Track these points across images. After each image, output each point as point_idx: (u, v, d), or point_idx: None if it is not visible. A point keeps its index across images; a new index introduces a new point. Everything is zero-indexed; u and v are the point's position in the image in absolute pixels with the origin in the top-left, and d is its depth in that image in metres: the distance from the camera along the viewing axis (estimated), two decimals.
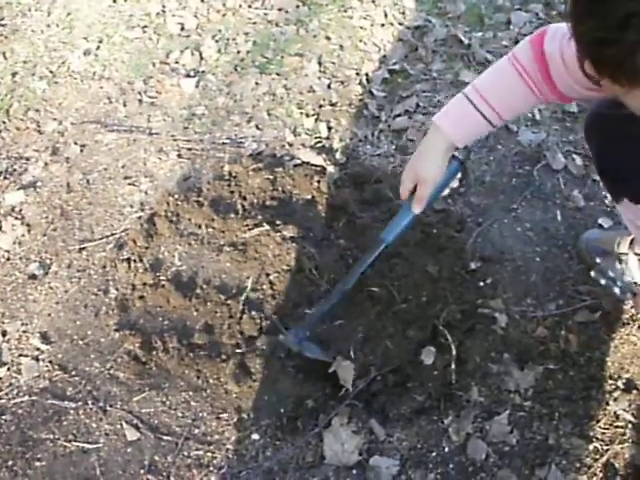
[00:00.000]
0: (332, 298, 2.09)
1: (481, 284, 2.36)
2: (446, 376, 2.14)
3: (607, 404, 2.10)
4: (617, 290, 1.94)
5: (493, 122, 1.80)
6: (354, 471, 2.01)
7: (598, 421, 2.07)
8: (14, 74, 3.48)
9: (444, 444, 2.05)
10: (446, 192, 1.83)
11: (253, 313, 2.31)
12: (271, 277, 2.38)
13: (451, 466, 2.01)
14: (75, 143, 3.07)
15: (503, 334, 2.24)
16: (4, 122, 3.23)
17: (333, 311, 2.14)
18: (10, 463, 2.10)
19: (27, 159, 3.03)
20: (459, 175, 1.82)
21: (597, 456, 2.01)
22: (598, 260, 2.31)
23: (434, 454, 2.04)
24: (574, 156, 2.80)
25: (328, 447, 2.04)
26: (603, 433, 2.05)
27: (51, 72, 3.47)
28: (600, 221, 2.56)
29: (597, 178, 2.68)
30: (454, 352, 2.15)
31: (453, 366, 2.14)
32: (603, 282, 2.08)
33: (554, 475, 1.96)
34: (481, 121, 1.78)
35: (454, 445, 2.04)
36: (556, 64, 1.63)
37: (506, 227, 2.57)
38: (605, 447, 2.02)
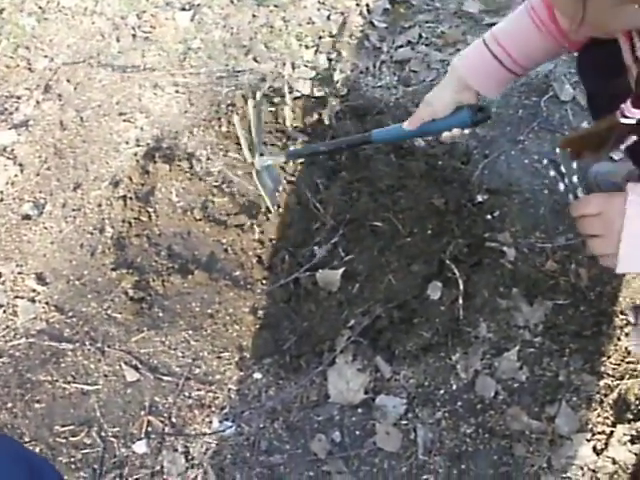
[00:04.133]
0: (305, 149, 2.10)
1: (488, 217, 2.31)
2: (453, 312, 2.10)
3: (618, 339, 2.06)
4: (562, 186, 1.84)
5: (513, 69, 1.73)
6: (359, 410, 1.99)
7: (609, 357, 2.03)
8: (1, 11, 3.38)
9: (452, 381, 2.02)
10: (451, 133, 1.77)
11: (256, 250, 2.27)
12: (273, 213, 2.32)
13: (459, 404, 1.99)
14: (67, 80, 2.99)
15: (511, 268, 2.19)
16: None
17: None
18: (10, 405, 2.08)
19: (18, 98, 2.96)
20: (467, 125, 1.76)
21: (608, 392, 1.98)
22: None
23: (442, 392, 2.01)
24: (582, 87, 2.71)
25: (332, 386, 2.01)
26: (614, 369, 2.02)
27: (40, 8, 3.37)
28: (610, 154, 2.48)
29: None
30: (461, 287, 2.11)
31: (460, 301, 2.11)
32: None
33: (564, 412, 1.94)
34: (499, 68, 1.72)
35: (462, 382, 2.02)
36: None
37: (513, 159, 2.51)
38: (616, 383, 1.99)
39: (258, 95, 1.98)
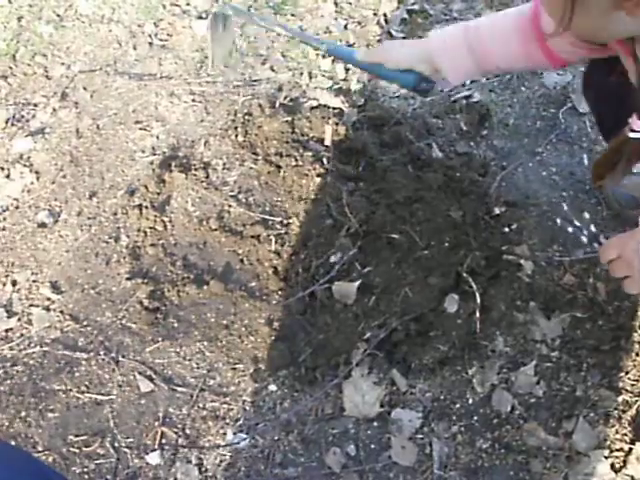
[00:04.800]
0: (267, 23, 2.06)
1: (506, 230, 2.28)
2: (470, 325, 2.08)
3: (637, 354, 2.03)
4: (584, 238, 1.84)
5: (483, 67, 1.75)
6: (375, 423, 1.97)
7: (627, 372, 2.00)
8: (20, 18, 3.40)
9: (468, 395, 2.00)
10: (390, 85, 1.81)
11: (272, 260, 2.26)
12: (293, 221, 2.32)
13: (475, 418, 1.96)
14: (84, 88, 3.00)
15: (529, 281, 2.16)
16: (10, 67, 3.16)
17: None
18: (23, 414, 2.07)
19: (35, 105, 2.97)
20: (409, 88, 1.78)
21: (626, 408, 1.95)
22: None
23: (458, 406, 1.99)
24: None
25: (348, 399, 1.99)
26: (632, 385, 1.98)
27: (58, 15, 3.38)
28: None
29: None
30: (478, 300, 2.08)
31: (477, 315, 2.08)
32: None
33: (582, 427, 1.91)
34: (471, 62, 1.73)
35: (478, 397, 1.99)
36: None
37: (531, 171, 2.50)
38: (634, 399, 1.95)
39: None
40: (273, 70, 2.95)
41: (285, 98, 2.75)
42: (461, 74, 1.80)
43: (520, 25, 1.67)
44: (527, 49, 1.69)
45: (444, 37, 1.76)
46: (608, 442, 1.89)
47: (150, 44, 3.17)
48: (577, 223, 1.71)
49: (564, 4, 1.15)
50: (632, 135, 1.53)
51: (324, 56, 2.95)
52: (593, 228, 1.70)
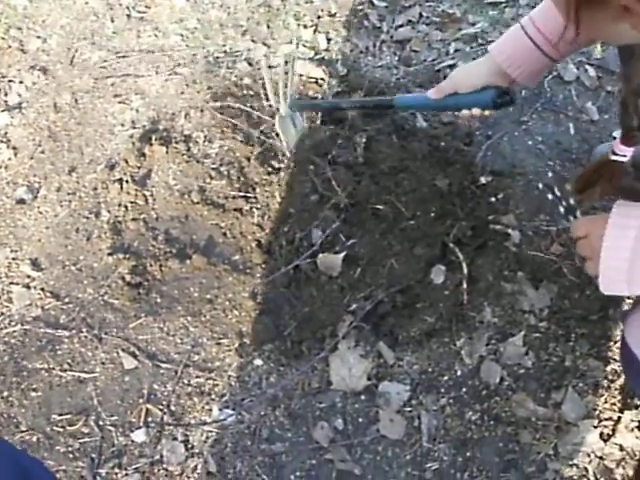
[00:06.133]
0: (329, 103, 2.23)
1: (492, 199, 2.27)
2: (457, 296, 2.07)
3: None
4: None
5: (550, 54, 1.67)
6: (362, 397, 1.96)
7: (616, 342, 2.00)
8: None
9: (456, 367, 2.00)
10: (471, 112, 1.76)
11: (256, 233, 2.24)
12: (276, 193, 2.29)
13: (464, 390, 1.96)
14: (61, 62, 2.94)
15: (516, 251, 2.16)
16: None
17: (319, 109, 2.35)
18: (5, 394, 2.05)
19: (11, 80, 2.90)
20: (489, 106, 1.75)
21: (615, 377, 1.96)
22: None
23: (446, 378, 1.98)
24: (587, 67, 2.69)
25: (335, 372, 1.99)
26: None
27: None
28: (615, 134, 2.46)
29: (610, 89, 2.63)
30: (465, 271, 2.08)
31: (464, 285, 2.07)
32: None
33: (571, 398, 1.91)
34: (537, 53, 1.68)
35: (467, 368, 1.99)
36: None
37: (517, 140, 2.48)
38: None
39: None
40: (253, 41, 2.90)
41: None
42: (536, 73, 1.76)
43: None
44: None
45: (505, 45, 1.71)
46: (597, 412, 1.90)
47: (128, 16, 3.11)
48: (558, 193, 1.69)
49: (568, 11, 1.12)
50: (613, 157, 1.55)
51: (305, 26, 2.92)
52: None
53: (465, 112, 1.80)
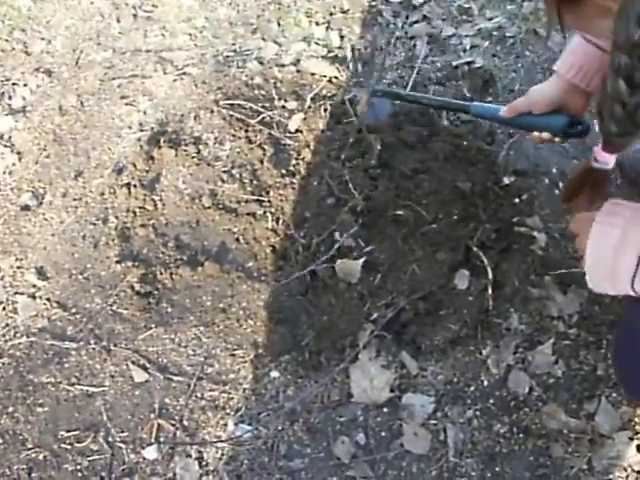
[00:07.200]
0: (412, 97, 2.15)
1: (516, 200, 2.21)
2: (482, 302, 2.01)
3: None
4: None
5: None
6: (385, 409, 1.91)
7: None
8: None
9: (483, 377, 1.94)
10: (540, 135, 1.74)
11: (270, 239, 2.19)
12: (290, 197, 2.24)
13: (491, 401, 1.90)
14: (66, 64, 2.91)
15: (542, 254, 2.10)
16: None
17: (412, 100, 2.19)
18: (11, 409, 2.01)
19: (15, 83, 2.87)
20: (560, 131, 1.74)
21: None
22: None
23: (472, 389, 1.92)
24: None
25: (355, 384, 1.93)
26: None
27: None
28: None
29: None
30: (490, 275, 2.01)
31: (490, 291, 2.00)
32: None
33: (604, 409, 1.85)
34: (600, 54, 1.61)
35: (494, 378, 1.93)
36: None
37: None
38: None
39: None
40: (264, 39, 2.84)
41: (278, 66, 2.66)
42: (594, 70, 1.70)
43: None
44: None
45: (571, 59, 1.66)
46: (633, 423, 1.84)
47: (134, 16, 3.07)
48: None
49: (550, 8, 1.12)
50: (596, 165, 1.54)
51: (317, 23, 2.88)
52: None
53: (535, 134, 1.77)
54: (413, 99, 2.13)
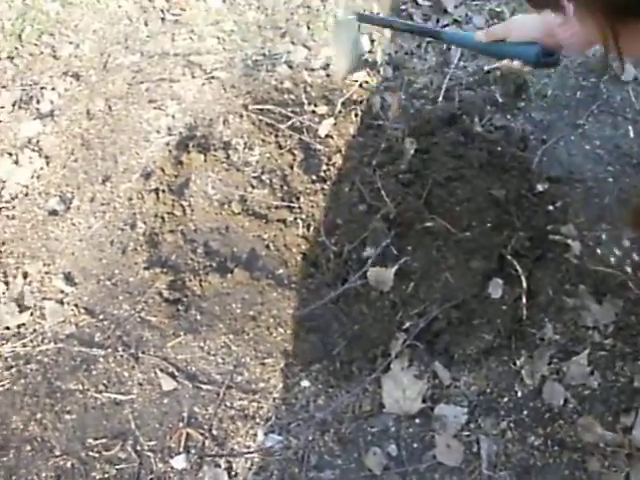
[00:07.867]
0: (377, 18, 2.29)
1: (550, 208, 2.19)
2: (516, 311, 1.99)
3: None
4: None
5: None
6: (417, 420, 1.88)
7: None
8: None
9: (517, 388, 1.91)
10: (511, 64, 1.80)
11: (301, 246, 2.17)
12: (321, 203, 2.22)
13: (525, 413, 1.87)
14: (94, 67, 2.90)
15: (577, 263, 2.07)
16: (16, 48, 3.05)
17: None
18: (39, 416, 1.98)
19: (43, 87, 2.86)
20: (531, 62, 1.76)
21: None
22: None
23: (506, 400, 1.90)
24: None
25: (387, 394, 1.91)
26: None
27: None
28: None
29: None
30: (524, 284, 1.99)
31: (524, 300, 1.99)
32: None
33: None
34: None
35: (528, 389, 1.90)
36: None
37: (573, 145, 2.41)
38: None
39: None
40: (293, 43, 2.83)
41: (307, 70, 2.65)
42: (585, 44, 1.72)
43: None
44: None
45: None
46: None
47: (162, 19, 3.06)
48: None
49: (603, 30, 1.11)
50: None
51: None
52: None
53: (505, 62, 1.80)
54: (386, 23, 2.23)
